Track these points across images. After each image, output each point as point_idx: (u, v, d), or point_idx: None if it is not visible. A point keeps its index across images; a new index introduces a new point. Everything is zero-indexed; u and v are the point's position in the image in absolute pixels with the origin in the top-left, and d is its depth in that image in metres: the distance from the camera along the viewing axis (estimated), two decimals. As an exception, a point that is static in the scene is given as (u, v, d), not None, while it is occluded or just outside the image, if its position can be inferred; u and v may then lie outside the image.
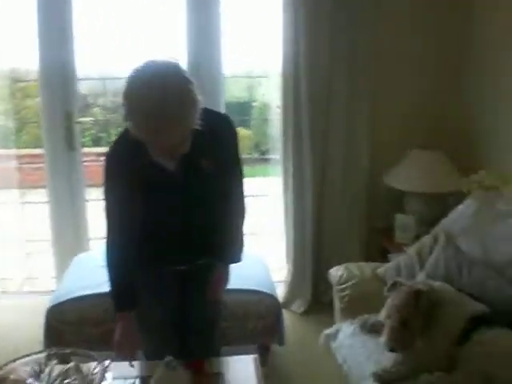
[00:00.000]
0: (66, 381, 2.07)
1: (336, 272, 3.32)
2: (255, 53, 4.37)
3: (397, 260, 3.29)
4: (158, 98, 1.94)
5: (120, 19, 4.23)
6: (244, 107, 5.17)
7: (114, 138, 2.37)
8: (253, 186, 4.23)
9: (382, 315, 2.53)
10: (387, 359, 2.50)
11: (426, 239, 3.24)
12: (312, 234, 4.25)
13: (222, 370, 2.39)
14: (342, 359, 2.83)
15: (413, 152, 3.96)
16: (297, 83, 4.05)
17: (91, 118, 5.55)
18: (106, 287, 2.91)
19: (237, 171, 2.44)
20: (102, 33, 4.26)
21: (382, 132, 4.21)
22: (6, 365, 2.14)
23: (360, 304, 3.07)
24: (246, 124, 4.96)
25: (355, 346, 2.77)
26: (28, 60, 4.22)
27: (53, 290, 3.76)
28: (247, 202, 2.52)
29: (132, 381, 2.31)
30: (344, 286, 3.20)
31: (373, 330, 2.78)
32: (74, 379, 2.08)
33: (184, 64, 3.81)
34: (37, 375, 2.10)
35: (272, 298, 3.41)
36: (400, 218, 3.98)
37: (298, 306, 4.29)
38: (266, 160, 4.67)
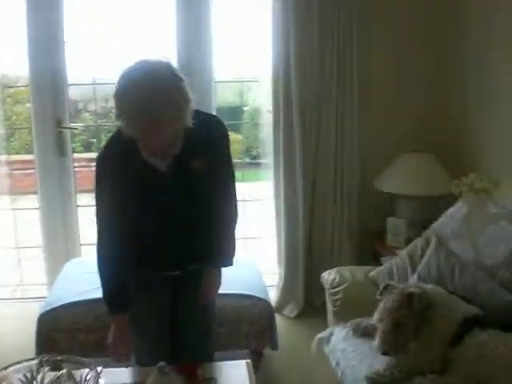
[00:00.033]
0: (58, 387, 2.06)
1: (328, 276, 3.32)
2: (246, 57, 4.38)
3: (389, 263, 3.29)
4: (150, 97, 1.95)
5: (110, 25, 4.23)
6: (235, 112, 5.16)
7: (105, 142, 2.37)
8: (244, 190, 4.24)
9: (375, 318, 2.53)
10: (380, 362, 2.50)
11: (418, 242, 3.24)
12: (304, 238, 4.25)
13: (214, 375, 2.38)
14: (335, 363, 2.82)
15: (403, 155, 3.97)
16: (287, 87, 4.05)
17: (81, 124, 5.54)
18: (97, 293, 2.91)
19: (228, 173, 2.44)
20: (92, 38, 4.26)
21: (372, 135, 4.22)
22: (-3, 372, 2.13)
23: (352, 307, 3.06)
24: (236, 129, 4.96)
25: (348, 349, 2.77)
26: (18, 66, 4.22)
27: (44, 297, 3.74)
28: (239, 205, 2.52)
29: (125, 387, 2.31)
30: (336, 289, 3.19)
31: (366, 333, 2.77)
32: (67, 386, 2.07)
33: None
34: (29, 382, 2.09)
35: (265, 302, 3.40)
36: (391, 222, 3.99)
37: (291, 310, 4.28)
38: (257, 164, 4.67)
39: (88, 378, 2.10)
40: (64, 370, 2.13)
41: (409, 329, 2.43)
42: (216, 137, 2.33)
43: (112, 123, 4.39)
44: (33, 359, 2.25)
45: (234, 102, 5.34)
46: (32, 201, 4.54)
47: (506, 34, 3.45)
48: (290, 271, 4.33)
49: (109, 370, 2.25)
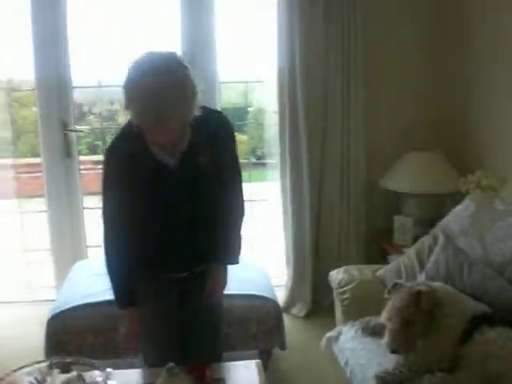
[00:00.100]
0: (68, 390, 2.07)
1: (336, 275, 3.32)
2: (250, 58, 4.38)
3: (396, 261, 3.29)
4: (159, 86, 1.99)
5: (114, 27, 4.24)
6: (240, 112, 5.17)
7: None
8: (250, 190, 4.24)
9: (383, 317, 2.53)
10: (389, 361, 2.49)
11: (426, 240, 3.24)
12: (311, 238, 4.25)
13: (224, 376, 2.38)
14: (344, 362, 2.82)
15: (410, 154, 3.97)
16: (293, 87, 4.06)
17: (87, 127, 5.55)
18: (105, 295, 2.93)
19: (234, 169, 2.45)
20: (97, 41, 4.27)
21: (379, 134, 4.22)
22: (8, 375, 2.14)
23: (361, 306, 3.06)
24: (241, 129, 4.96)
25: (357, 348, 2.77)
26: (23, 70, 4.23)
27: (53, 300, 3.75)
28: (245, 202, 2.51)
29: (134, 388, 2.31)
30: (344, 288, 3.19)
31: (374, 332, 2.77)
32: (77, 388, 2.08)
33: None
34: (39, 385, 2.10)
35: (273, 302, 3.40)
36: (398, 220, 3.99)
37: (299, 309, 4.28)
38: (263, 165, 4.67)
39: (98, 379, 2.11)
40: (74, 372, 2.14)
41: (417, 327, 2.43)
42: (222, 133, 2.34)
43: (117, 125, 4.39)
44: (43, 362, 2.26)
45: (239, 102, 5.34)
46: (39, 204, 4.56)
47: None
48: (298, 271, 4.33)
49: (118, 371, 2.25)
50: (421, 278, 2.98)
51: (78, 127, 4.48)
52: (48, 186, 4.32)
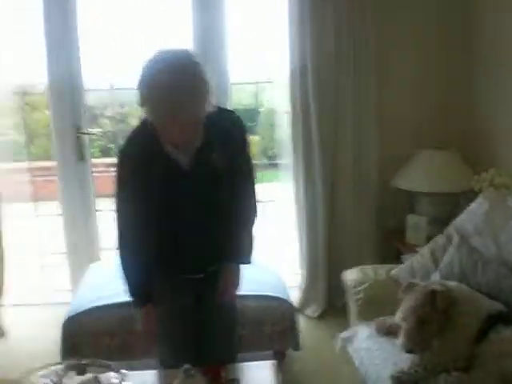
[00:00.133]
0: (85, 392, 2.08)
1: (350, 275, 3.32)
2: (260, 59, 4.39)
3: (410, 261, 3.28)
4: (174, 81, 2.01)
5: (126, 30, 4.25)
6: (251, 113, 5.16)
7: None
8: (263, 191, 4.24)
9: (398, 317, 2.52)
10: (404, 361, 2.49)
11: (440, 239, 3.23)
12: (324, 238, 4.25)
13: (238, 377, 2.38)
14: (359, 362, 2.82)
15: (423, 152, 3.96)
16: (304, 88, 4.06)
17: (100, 129, 5.57)
18: (120, 297, 2.93)
19: (248, 169, 2.45)
20: (108, 44, 4.29)
21: (391, 133, 4.21)
22: (24, 377, 2.15)
23: (375, 306, 3.06)
24: (253, 130, 4.96)
25: (372, 348, 2.76)
26: (35, 73, 4.26)
27: (68, 302, 3.77)
28: (258, 202, 2.51)
29: (150, 389, 2.32)
30: (358, 288, 3.19)
31: (389, 331, 2.77)
32: (93, 390, 2.09)
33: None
34: (56, 387, 2.11)
35: (287, 303, 3.40)
36: (412, 219, 3.97)
37: (313, 310, 4.28)
38: (275, 165, 4.67)
39: (113, 381, 2.12)
40: (90, 374, 2.15)
41: (433, 326, 2.42)
42: (235, 132, 2.36)
43: (129, 128, 4.41)
44: (59, 364, 2.27)
45: (249, 103, 5.34)
46: (53, 207, 4.58)
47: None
48: (312, 272, 4.32)
49: (134, 372, 2.26)
50: (435, 277, 2.97)
51: (90, 130, 4.51)
52: (62, 189, 4.35)
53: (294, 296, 4.17)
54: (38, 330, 4.11)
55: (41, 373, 2.18)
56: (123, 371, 2.17)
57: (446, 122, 4.19)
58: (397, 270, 3.26)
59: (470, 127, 4.11)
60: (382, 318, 2.88)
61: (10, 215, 4.27)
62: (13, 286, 4.36)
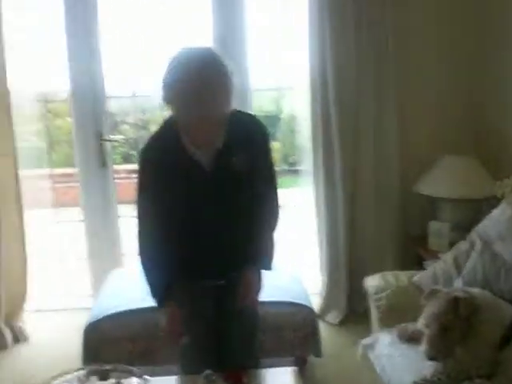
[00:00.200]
0: (107, 397, 2.09)
1: (371, 281, 3.30)
2: (281, 65, 4.39)
3: (433, 267, 3.26)
4: (201, 79, 2.03)
5: (147, 37, 4.28)
6: (271, 120, 5.17)
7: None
8: (283, 197, 4.23)
9: (421, 323, 2.51)
10: (427, 368, 2.47)
11: (462, 245, 3.20)
12: (345, 245, 4.23)
13: (261, 383, 2.38)
14: (380, 369, 2.80)
15: (445, 158, 3.93)
16: (324, 93, 4.05)
17: (122, 136, 5.61)
18: (142, 303, 2.94)
19: (269, 174, 2.44)
20: (130, 51, 4.32)
21: (412, 139, 4.19)
22: (46, 383, 2.17)
23: (397, 313, 3.04)
24: (274, 136, 4.97)
25: (394, 355, 2.75)
26: (58, 81, 4.30)
27: (90, 308, 3.79)
28: (280, 207, 2.49)
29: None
30: (380, 295, 3.16)
31: (412, 338, 2.75)
32: (116, 395, 2.10)
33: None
34: (78, 392, 2.12)
35: (308, 309, 3.39)
36: (434, 225, 3.94)
37: (334, 316, 4.26)
38: (296, 171, 4.67)
39: (136, 386, 2.13)
40: (112, 380, 2.16)
41: (456, 333, 2.41)
42: (257, 135, 2.36)
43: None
44: (81, 369, 2.29)
45: (270, 110, 5.35)
46: (74, 213, 4.62)
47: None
48: (333, 278, 4.31)
49: (156, 378, 2.27)
50: (458, 283, 2.95)
51: (112, 137, 4.54)
52: (84, 196, 4.40)
53: (315, 302, 4.16)
54: (59, 336, 4.14)
55: (63, 378, 2.19)
56: (146, 377, 2.17)
57: (466, 127, 4.17)
58: (419, 277, 3.23)
59: (491, 132, 4.07)
60: (403, 325, 2.86)
61: (32, 221, 4.30)
62: (35, 291, 4.40)
